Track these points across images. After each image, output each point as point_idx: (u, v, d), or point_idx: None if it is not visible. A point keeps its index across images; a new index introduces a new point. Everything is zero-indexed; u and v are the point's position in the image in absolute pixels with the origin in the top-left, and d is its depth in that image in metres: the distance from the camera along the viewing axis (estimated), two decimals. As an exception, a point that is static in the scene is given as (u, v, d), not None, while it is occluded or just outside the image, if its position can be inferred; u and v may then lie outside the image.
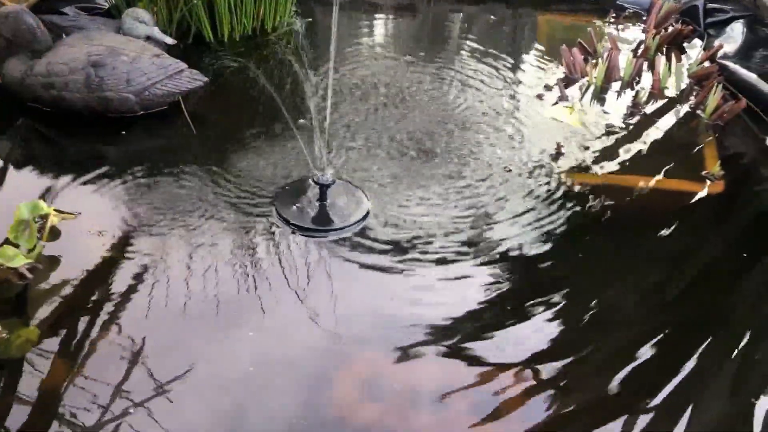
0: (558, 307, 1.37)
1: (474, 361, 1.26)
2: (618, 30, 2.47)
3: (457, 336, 1.30)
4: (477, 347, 1.28)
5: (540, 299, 1.39)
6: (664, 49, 2.33)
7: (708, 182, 1.74)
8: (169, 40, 2.09)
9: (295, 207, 1.59)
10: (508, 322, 1.34)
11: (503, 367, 1.25)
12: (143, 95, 1.84)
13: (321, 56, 2.23)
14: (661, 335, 1.32)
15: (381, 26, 2.60)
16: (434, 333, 1.31)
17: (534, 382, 1.22)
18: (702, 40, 2.41)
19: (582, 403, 1.20)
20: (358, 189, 1.66)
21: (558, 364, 1.25)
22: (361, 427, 1.14)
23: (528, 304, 1.38)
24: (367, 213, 1.59)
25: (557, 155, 1.81)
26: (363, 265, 1.46)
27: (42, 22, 2.09)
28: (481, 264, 1.47)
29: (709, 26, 2.43)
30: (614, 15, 2.55)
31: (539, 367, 1.25)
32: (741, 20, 2.34)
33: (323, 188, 1.58)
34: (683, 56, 2.34)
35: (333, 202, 1.61)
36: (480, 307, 1.36)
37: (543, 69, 2.21)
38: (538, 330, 1.32)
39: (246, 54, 2.21)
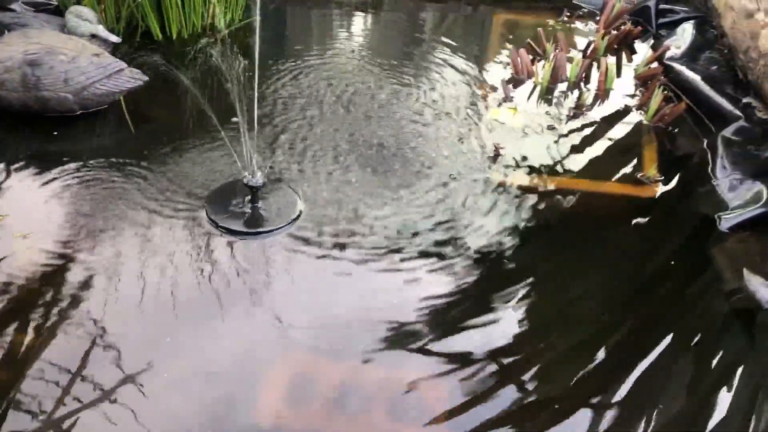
0: (507, 305, 1.39)
1: (431, 356, 1.27)
2: (571, 30, 2.47)
3: (409, 335, 1.31)
4: (430, 345, 1.30)
5: (491, 299, 1.41)
6: (615, 49, 2.33)
7: (644, 185, 1.75)
8: (114, 38, 2.08)
9: (226, 209, 1.59)
10: (460, 320, 1.35)
11: (465, 361, 1.26)
12: (82, 95, 1.83)
13: (268, 56, 2.22)
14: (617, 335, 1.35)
15: (339, 25, 2.59)
16: (384, 332, 1.32)
17: (496, 377, 1.24)
18: (654, 40, 2.42)
19: (545, 396, 1.21)
20: (290, 190, 1.66)
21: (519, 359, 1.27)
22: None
23: (471, 304, 1.39)
24: (300, 214, 1.59)
25: (495, 157, 1.81)
26: (301, 264, 1.47)
27: (-16, 18, 2.08)
28: (420, 263, 1.47)
29: (660, 27, 2.44)
30: (568, 14, 2.55)
31: (500, 361, 1.27)
32: (691, 21, 2.35)
33: (254, 190, 1.58)
34: (634, 56, 2.34)
35: (265, 203, 1.61)
36: (425, 306, 1.37)
37: (491, 69, 2.21)
38: (492, 329, 1.34)
39: (192, 53, 2.19)
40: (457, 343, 1.31)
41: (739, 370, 1.28)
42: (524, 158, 1.82)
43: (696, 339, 1.36)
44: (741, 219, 1.62)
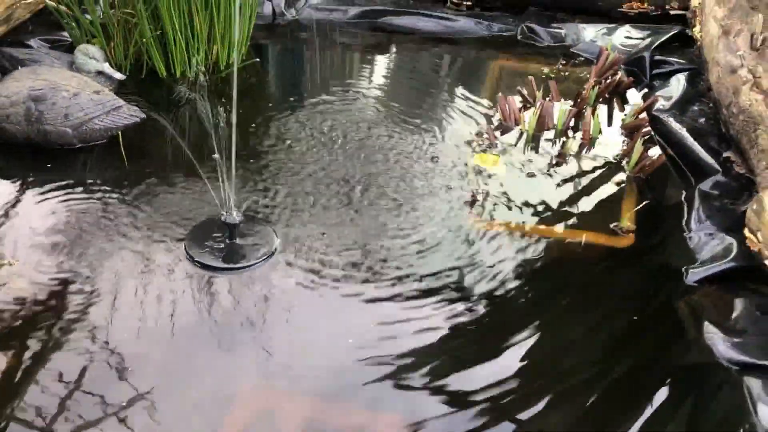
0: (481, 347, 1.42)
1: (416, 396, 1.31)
2: (566, 78, 2.52)
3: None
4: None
5: (461, 350, 1.44)
6: (607, 98, 2.37)
7: (618, 235, 1.78)
8: (119, 76, 2.19)
9: (204, 244, 1.65)
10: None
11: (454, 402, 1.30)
12: (81, 129, 1.93)
13: (261, 97, 2.31)
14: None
15: (342, 67, 2.68)
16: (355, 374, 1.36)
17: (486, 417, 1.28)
18: (649, 90, 2.45)
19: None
20: (267, 227, 1.72)
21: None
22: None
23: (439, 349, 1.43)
24: (275, 250, 1.65)
25: (472, 202, 1.85)
26: (278, 301, 1.53)
27: (1, 54, 2.21)
28: (400, 302, 1.52)
29: (654, 77, 2.47)
30: (563, 62, 2.59)
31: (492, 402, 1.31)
32: (684, 73, 2.38)
33: (231, 227, 1.65)
34: (626, 106, 2.37)
35: (242, 240, 1.67)
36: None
37: (481, 115, 2.26)
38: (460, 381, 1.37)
39: (193, 92, 2.29)
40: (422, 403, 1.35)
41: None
42: (502, 205, 1.86)
43: (647, 392, 1.38)
44: (708, 273, 1.63)
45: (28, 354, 1.37)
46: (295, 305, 1.53)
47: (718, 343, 1.45)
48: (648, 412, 1.34)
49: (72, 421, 1.24)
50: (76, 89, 1.94)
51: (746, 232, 1.61)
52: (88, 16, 2.29)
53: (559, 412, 1.33)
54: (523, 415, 1.31)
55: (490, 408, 1.32)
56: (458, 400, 1.33)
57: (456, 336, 1.48)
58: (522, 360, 1.43)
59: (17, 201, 1.81)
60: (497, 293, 1.59)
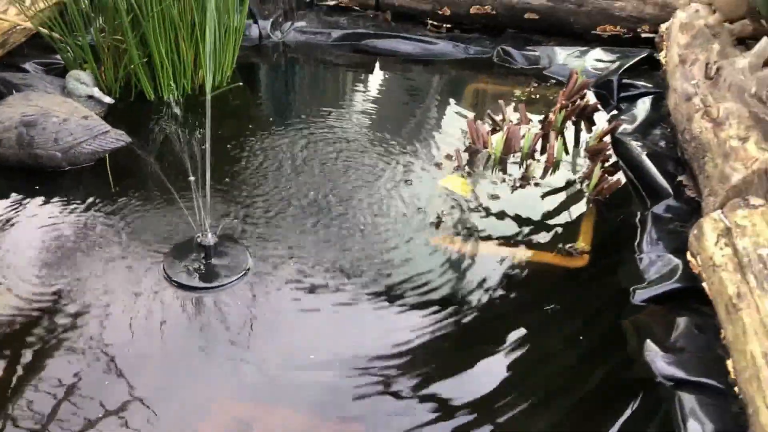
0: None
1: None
2: (536, 100, 2.63)
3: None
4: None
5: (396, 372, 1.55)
6: (574, 121, 2.47)
7: (573, 255, 1.88)
8: (108, 99, 2.31)
9: (181, 264, 1.77)
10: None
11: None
12: (70, 153, 2.04)
13: (244, 119, 2.42)
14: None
15: (320, 87, 2.80)
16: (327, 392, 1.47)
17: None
18: (618, 112, 2.55)
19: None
20: (240, 246, 1.83)
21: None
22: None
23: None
24: (248, 269, 1.77)
25: (438, 223, 1.96)
26: (252, 317, 1.64)
27: (-4, 79, 2.33)
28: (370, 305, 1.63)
29: (621, 100, 2.58)
30: (535, 85, 2.70)
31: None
32: (649, 97, 2.48)
33: (206, 248, 1.76)
34: (594, 128, 2.48)
35: (217, 259, 1.78)
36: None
37: (453, 138, 2.37)
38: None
39: (178, 114, 2.40)
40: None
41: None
42: (465, 226, 1.97)
43: (587, 408, 1.49)
44: (654, 293, 1.73)
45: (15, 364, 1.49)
46: (269, 320, 1.64)
47: (657, 359, 1.55)
48: (587, 427, 1.45)
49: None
50: (66, 115, 2.06)
51: (688, 255, 1.71)
52: (81, 41, 2.41)
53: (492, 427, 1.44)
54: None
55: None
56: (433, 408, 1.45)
57: (424, 348, 1.59)
58: (456, 379, 1.54)
59: (8, 220, 1.92)
60: (448, 310, 1.70)
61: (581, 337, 1.64)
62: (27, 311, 1.63)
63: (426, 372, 1.54)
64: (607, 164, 2.24)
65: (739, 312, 1.44)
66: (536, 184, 2.15)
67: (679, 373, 1.51)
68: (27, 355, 1.52)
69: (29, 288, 1.68)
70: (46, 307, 1.63)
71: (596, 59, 2.76)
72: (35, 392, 1.43)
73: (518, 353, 1.60)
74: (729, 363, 1.44)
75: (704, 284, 1.63)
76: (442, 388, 1.50)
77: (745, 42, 2.64)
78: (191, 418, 1.40)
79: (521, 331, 1.65)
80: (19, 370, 1.49)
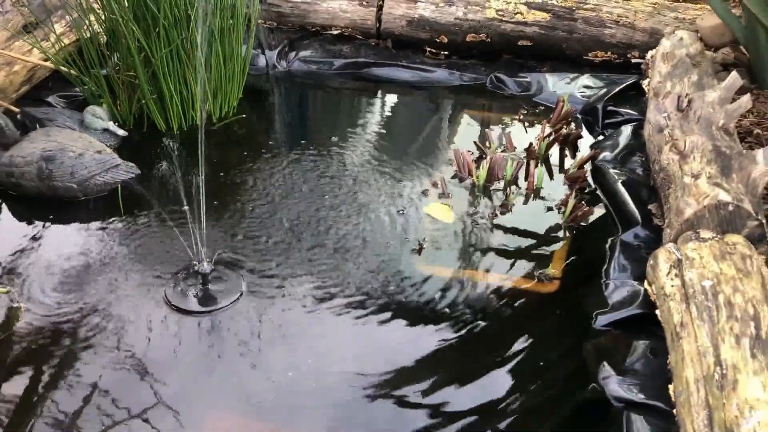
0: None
1: None
2: (526, 127, 2.76)
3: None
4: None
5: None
6: (560, 148, 2.59)
7: (542, 282, 2.01)
8: (122, 132, 2.51)
9: (181, 290, 1.94)
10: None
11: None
12: (85, 185, 2.24)
13: (247, 148, 2.59)
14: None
15: (321, 115, 2.96)
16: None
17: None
18: (604, 138, 2.67)
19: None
20: (235, 272, 2.00)
21: None
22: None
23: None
24: (241, 294, 1.94)
25: (419, 250, 2.11)
26: (246, 337, 1.81)
27: (23, 112, 2.55)
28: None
29: (606, 127, 2.69)
30: (524, 111, 2.83)
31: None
32: (631, 124, 2.59)
33: (203, 275, 1.94)
34: (578, 154, 2.60)
35: (214, 284, 1.96)
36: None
37: (441, 166, 2.51)
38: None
39: (187, 144, 2.58)
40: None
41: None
42: (445, 252, 2.11)
43: (545, 428, 1.62)
44: (615, 318, 1.85)
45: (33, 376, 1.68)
46: (263, 340, 1.81)
47: (611, 382, 1.67)
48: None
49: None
50: (81, 150, 2.26)
51: (645, 283, 1.83)
52: (97, 76, 2.61)
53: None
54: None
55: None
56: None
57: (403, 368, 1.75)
58: (428, 396, 1.69)
59: (30, 245, 2.12)
60: (426, 332, 1.84)
61: (542, 362, 1.78)
62: (48, 327, 1.83)
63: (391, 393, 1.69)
64: (586, 191, 2.37)
65: (681, 340, 1.56)
66: (516, 211, 2.29)
67: (630, 396, 1.64)
68: (48, 365, 1.72)
69: (49, 306, 1.88)
70: (64, 324, 1.83)
71: (584, 86, 2.88)
72: (57, 397, 1.63)
73: (483, 375, 1.74)
74: (671, 387, 1.56)
75: (657, 312, 1.75)
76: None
77: (728, 68, 2.74)
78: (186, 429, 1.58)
79: (487, 354, 1.80)
80: (42, 379, 1.68)
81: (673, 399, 1.53)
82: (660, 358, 1.71)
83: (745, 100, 2.15)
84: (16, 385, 1.68)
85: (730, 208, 1.76)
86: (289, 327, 1.86)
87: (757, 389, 1.34)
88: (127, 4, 2.47)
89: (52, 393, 1.65)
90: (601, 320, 1.86)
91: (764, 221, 1.79)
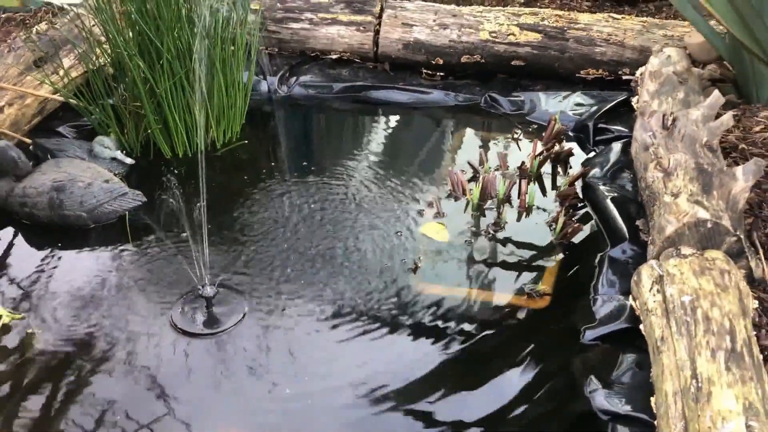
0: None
1: None
2: (519, 146, 2.84)
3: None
4: None
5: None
6: (552, 165, 2.67)
7: (533, 298, 2.09)
8: (129, 161, 2.61)
9: (187, 313, 2.03)
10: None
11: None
12: (94, 213, 2.34)
13: (249, 172, 2.69)
14: None
15: (320, 138, 3.06)
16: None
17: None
18: (594, 155, 2.74)
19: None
20: (238, 295, 2.09)
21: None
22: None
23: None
24: (244, 315, 2.03)
25: (415, 269, 2.19)
26: (250, 356, 1.90)
27: (35, 144, 2.66)
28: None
29: (597, 144, 2.76)
30: (518, 130, 2.91)
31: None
32: (620, 141, 2.66)
33: (207, 299, 2.03)
34: (570, 171, 2.67)
35: (217, 307, 2.05)
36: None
37: (436, 185, 2.59)
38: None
39: (192, 170, 2.68)
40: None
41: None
42: (440, 271, 2.19)
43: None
44: (602, 332, 1.93)
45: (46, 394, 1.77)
46: (265, 359, 1.90)
47: (597, 395, 1.75)
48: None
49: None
50: (90, 179, 2.36)
51: (630, 298, 1.90)
52: (105, 107, 2.72)
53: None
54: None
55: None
56: None
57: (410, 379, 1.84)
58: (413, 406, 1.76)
59: (42, 271, 2.22)
60: (419, 348, 1.92)
61: (531, 379, 1.85)
62: (62, 348, 1.93)
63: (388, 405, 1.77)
64: (578, 207, 2.44)
65: (661, 354, 1.63)
66: (508, 229, 2.36)
67: (615, 409, 1.71)
68: (61, 387, 1.81)
69: (63, 328, 1.98)
70: (78, 344, 1.93)
71: (576, 104, 2.96)
72: (71, 414, 1.73)
73: (475, 388, 1.82)
74: (652, 399, 1.63)
75: (641, 326, 1.82)
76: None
77: (715, 83, 2.82)
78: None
79: (478, 370, 1.88)
80: (57, 398, 1.78)
81: (655, 411, 1.60)
82: (645, 371, 1.77)
83: (727, 117, 2.22)
84: (33, 405, 1.77)
85: (709, 225, 1.83)
86: (291, 344, 1.94)
87: (730, 401, 1.41)
88: (131, 38, 2.58)
89: (67, 411, 1.74)
90: (589, 335, 1.93)
91: (743, 236, 1.86)
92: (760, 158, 2.11)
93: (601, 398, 1.74)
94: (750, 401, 1.41)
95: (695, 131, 2.23)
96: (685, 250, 1.83)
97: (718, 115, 2.33)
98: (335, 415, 1.75)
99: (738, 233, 1.84)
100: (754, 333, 1.65)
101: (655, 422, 1.57)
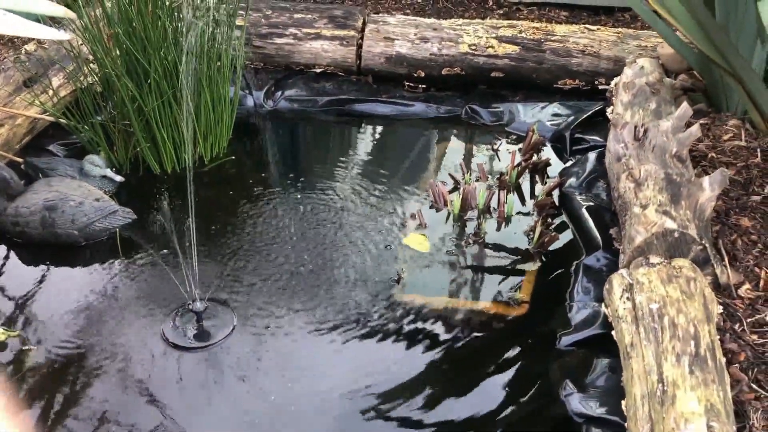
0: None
1: None
2: (498, 157, 2.92)
3: None
4: None
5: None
6: (531, 175, 2.76)
7: (510, 306, 2.17)
8: (118, 179, 2.68)
9: (177, 327, 2.10)
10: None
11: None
12: (85, 231, 2.41)
13: (235, 187, 2.76)
14: None
15: (305, 151, 3.14)
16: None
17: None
18: (571, 165, 2.83)
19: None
20: (226, 308, 2.16)
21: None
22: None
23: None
24: (233, 329, 2.10)
25: (398, 280, 2.27)
26: (241, 368, 1.97)
27: (26, 163, 2.72)
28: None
29: (574, 153, 2.85)
30: (497, 141, 3.00)
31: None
32: (596, 150, 2.75)
33: (197, 313, 2.10)
34: (548, 181, 2.76)
35: (207, 321, 2.12)
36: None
37: (418, 196, 2.67)
38: None
39: (181, 186, 2.74)
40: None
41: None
42: (422, 281, 2.27)
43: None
44: (577, 338, 2.01)
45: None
46: (254, 370, 1.97)
47: (572, 399, 1.83)
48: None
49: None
50: (81, 198, 2.43)
51: (602, 305, 1.99)
52: (94, 125, 2.78)
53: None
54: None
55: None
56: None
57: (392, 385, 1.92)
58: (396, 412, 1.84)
59: (37, 288, 2.28)
60: (405, 354, 2.00)
61: (511, 381, 1.93)
62: (58, 361, 1.99)
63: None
64: (555, 217, 2.53)
65: (630, 359, 1.72)
66: (488, 239, 2.45)
67: (589, 412, 1.79)
68: (57, 401, 1.88)
69: (57, 344, 2.04)
70: (73, 358, 2.00)
71: (553, 114, 3.05)
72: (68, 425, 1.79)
73: (457, 394, 1.90)
74: (623, 403, 1.71)
75: (612, 333, 1.90)
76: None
77: (687, 92, 2.91)
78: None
79: (456, 376, 1.96)
80: (53, 411, 1.84)
81: (625, 414, 1.69)
82: (619, 374, 1.86)
83: (695, 128, 2.32)
84: (30, 419, 1.84)
85: (676, 234, 1.92)
86: (279, 354, 2.01)
87: (693, 403, 1.50)
88: (119, 59, 2.65)
89: (62, 424, 1.81)
90: (565, 340, 2.02)
91: (709, 245, 1.95)
92: (725, 168, 2.21)
93: (576, 402, 1.82)
94: (712, 403, 1.50)
95: (665, 142, 2.32)
96: (654, 259, 1.92)
97: (689, 125, 2.42)
98: (325, 423, 1.83)
99: (704, 242, 1.93)
100: (718, 337, 1.74)
101: (626, 424, 1.66)
